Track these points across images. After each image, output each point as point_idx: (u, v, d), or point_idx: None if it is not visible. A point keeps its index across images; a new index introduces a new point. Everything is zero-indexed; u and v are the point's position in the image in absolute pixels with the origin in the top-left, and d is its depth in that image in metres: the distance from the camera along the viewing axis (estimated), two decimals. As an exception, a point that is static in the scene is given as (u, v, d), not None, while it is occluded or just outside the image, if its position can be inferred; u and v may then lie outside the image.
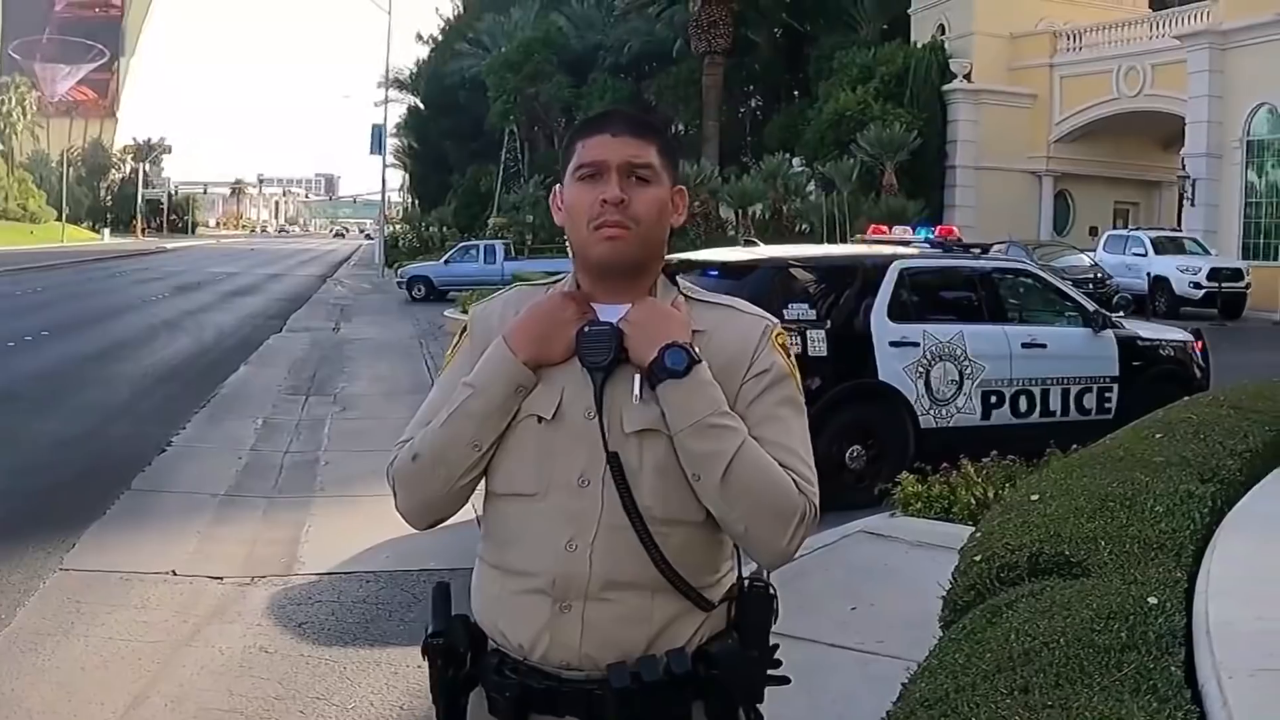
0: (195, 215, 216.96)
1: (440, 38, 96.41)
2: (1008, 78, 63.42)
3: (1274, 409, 10.13)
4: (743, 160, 66.95)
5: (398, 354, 30.54)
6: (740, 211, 54.54)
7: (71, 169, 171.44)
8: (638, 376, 3.14)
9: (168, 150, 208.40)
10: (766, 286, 13.59)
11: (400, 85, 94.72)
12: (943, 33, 62.96)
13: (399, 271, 60.69)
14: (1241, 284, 44.80)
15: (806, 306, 13.78)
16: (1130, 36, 59.16)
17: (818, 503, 3.20)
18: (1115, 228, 57.09)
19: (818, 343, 13.55)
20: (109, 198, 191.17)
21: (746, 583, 3.33)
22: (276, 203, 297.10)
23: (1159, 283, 45.23)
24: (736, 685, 3.23)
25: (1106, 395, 15.44)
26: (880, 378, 14.13)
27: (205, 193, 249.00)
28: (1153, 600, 5.34)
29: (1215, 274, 43.96)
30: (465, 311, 23.75)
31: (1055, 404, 15.09)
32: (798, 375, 3.35)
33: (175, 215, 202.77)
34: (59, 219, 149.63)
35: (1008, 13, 62.49)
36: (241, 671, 8.83)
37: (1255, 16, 48.57)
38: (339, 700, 8.30)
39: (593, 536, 3.12)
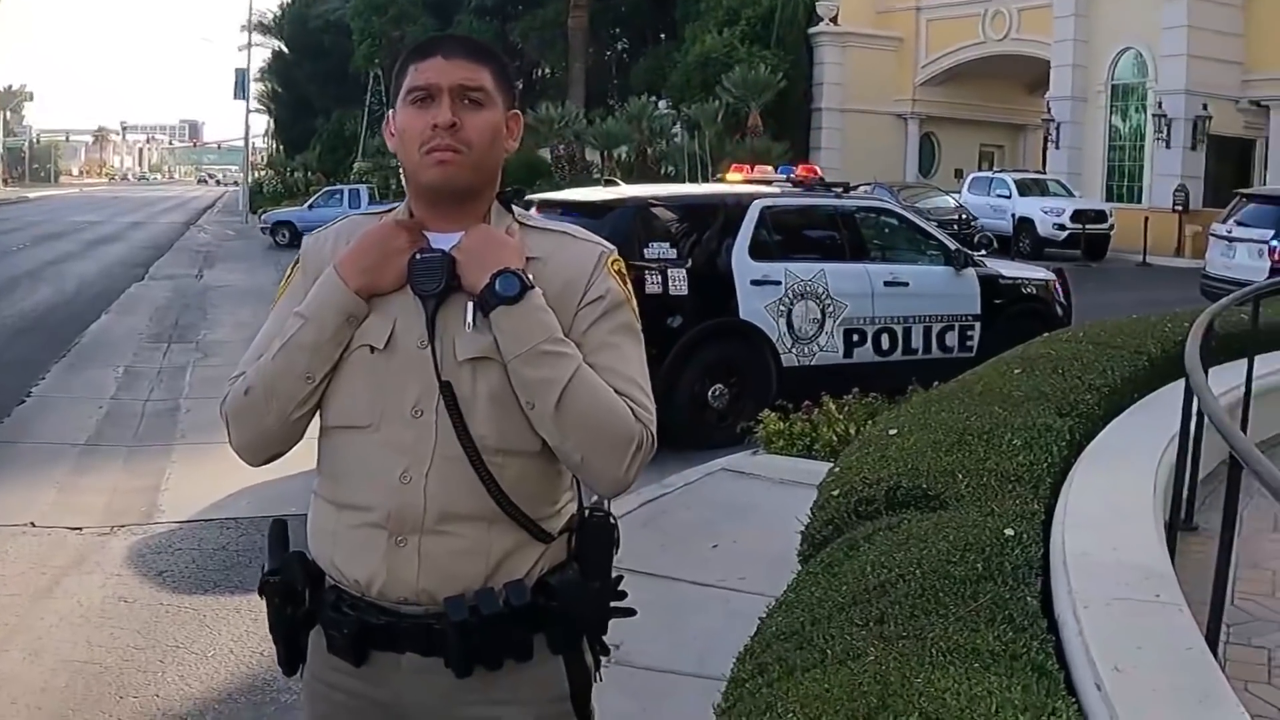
0: (58, 164, 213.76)
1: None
2: (874, 21, 63.80)
3: (1133, 344, 10.23)
4: (609, 103, 66.88)
5: (261, 300, 30.16)
6: (605, 154, 54.58)
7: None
8: (470, 304, 3.08)
9: (29, 97, 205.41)
10: (627, 226, 13.57)
11: (264, 29, 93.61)
12: (810, -25, 63.09)
13: (263, 217, 60.15)
14: (1105, 225, 45.36)
15: (667, 245, 13.76)
16: (997, -20, 59.55)
17: (654, 430, 3.16)
18: (980, 170, 57.45)
19: (679, 282, 13.54)
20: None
21: (587, 513, 3.30)
22: (140, 150, 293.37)
23: (1023, 224, 45.71)
24: (578, 616, 3.21)
25: (969, 333, 15.58)
26: (742, 316, 14.16)
27: (68, 140, 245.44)
28: (1009, 532, 5.36)
29: (1079, 216, 44.50)
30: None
31: (917, 342, 15.21)
32: (634, 302, 3.29)
33: (38, 164, 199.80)
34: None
35: (875, -45, 62.87)
36: (101, 622, 8.74)
37: (1120, -40, 49.14)
38: (199, 648, 8.25)
39: (427, 468, 3.06)
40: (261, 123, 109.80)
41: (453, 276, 3.09)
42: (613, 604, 3.30)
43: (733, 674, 4.32)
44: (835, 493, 6.54)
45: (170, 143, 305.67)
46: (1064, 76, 52.72)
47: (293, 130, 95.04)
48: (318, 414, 3.22)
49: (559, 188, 25.21)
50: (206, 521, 11.12)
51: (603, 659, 3.37)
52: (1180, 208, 46.48)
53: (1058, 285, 16.99)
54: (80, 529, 10.90)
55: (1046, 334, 11.59)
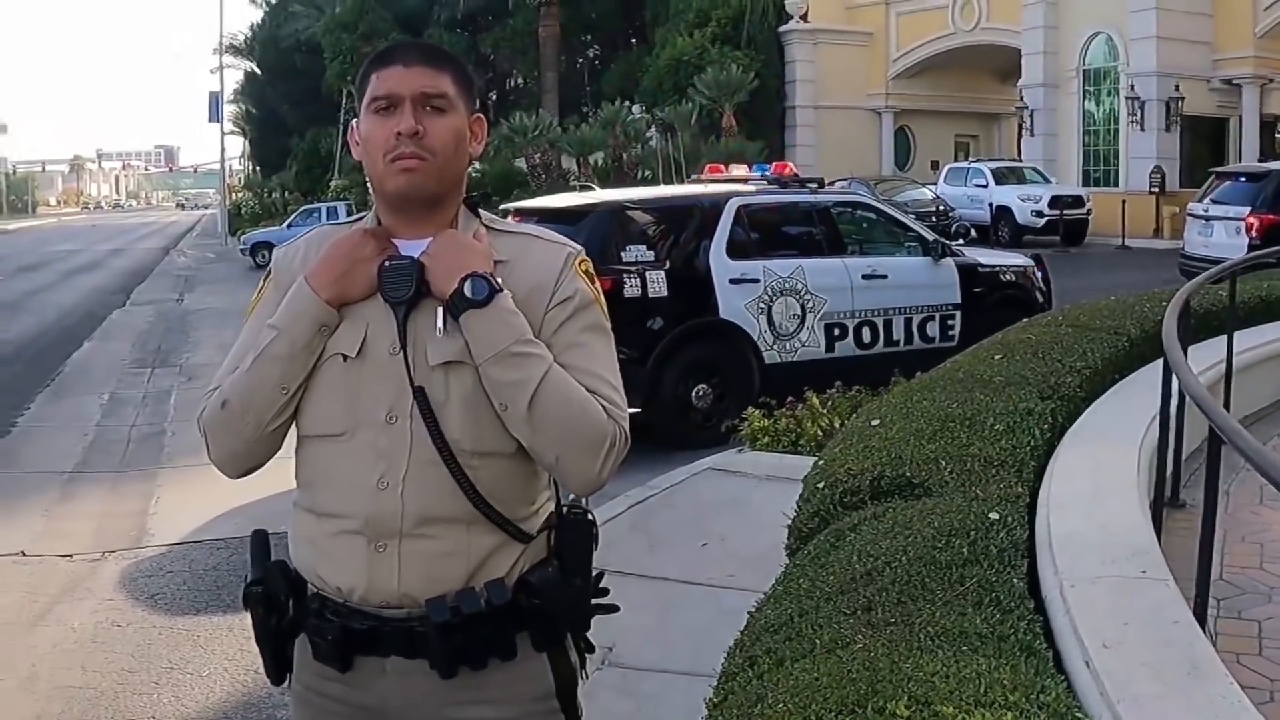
0: (35, 194, 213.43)
1: (274, 0, 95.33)
2: (844, 16, 63.87)
3: (1112, 326, 10.27)
4: (583, 110, 66.76)
5: (242, 321, 30.16)
6: (581, 160, 54.46)
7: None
8: (440, 309, 3.10)
9: (3, 130, 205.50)
10: (603, 230, 13.61)
11: (236, 51, 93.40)
12: (778, -26, 63.09)
13: (242, 239, 60.09)
14: (1083, 210, 45.45)
15: (644, 248, 13.80)
16: (964, -30, 59.62)
17: (627, 427, 3.17)
18: (956, 160, 57.53)
19: (657, 283, 13.57)
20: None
21: (565, 510, 3.32)
22: (117, 177, 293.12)
23: (1001, 212, 45.74)
24: (559, 613, 3.22)
25: (949, 323, 15.61)
26: (722, 315, 14.21)
27: (44, 171, 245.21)
28: (994, 515, 5.39)
29: (1056, 202, 44.59)
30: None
31: (899, 333, 15.25)
32: (603, 301, 3.30)
33: (14, 196, 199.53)
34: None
35: (842, -49, 62.93)
36: (94, 647, 8.76)
37: (1085, -55, 49.28)
38: (193, 668, 8.27)
39: (403, 473, 3.08)
40: (237, 144, 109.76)
41: (422, 282, 3.11)
42: (594, 600, 3.33)
43: (723, 668, 4.34)
44: (820, 485, 6.57)
45: (146, 168, 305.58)
46: (1035, 64, 52.81)
47: (268, 151, 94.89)
48: (294, 424, 3.24)
49: (536, 196, 25.24)
50: (196, 543, 11.13)
51: (588, 656, 3.39)
52: (1157, 189, 46.53)
53: (1036, 271, 17.03)
54: (71, 556, 10.91)
55: (1026, 319, 11.62)
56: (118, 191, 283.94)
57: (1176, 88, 47.56)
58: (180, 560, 10.68)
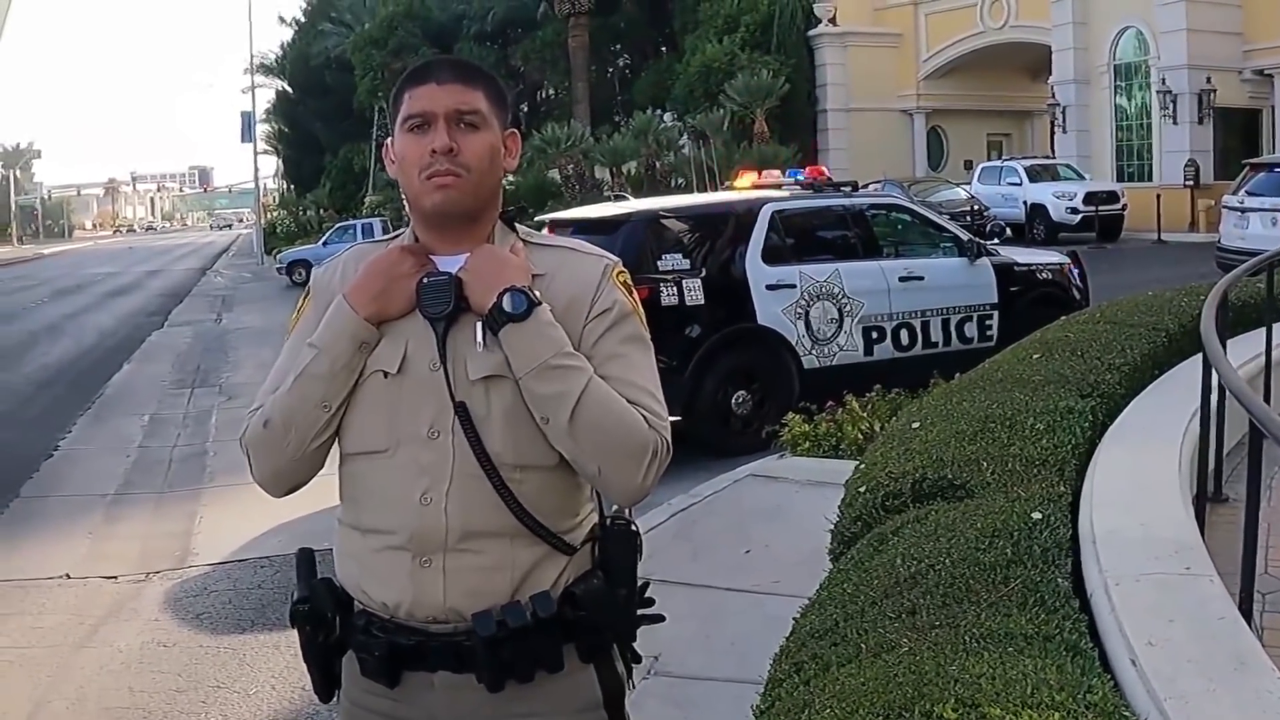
0: (71, 218, 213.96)
1: (303, 19, 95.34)
2: (872, 19, 63.76)
3: (1150, 321, 10.23)
4: (614, 119, 66.66)
5: (281, 338, 30.12)
6: (614, 170, 54.40)
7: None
8: (479, 324, 3.11)
9: (37, 155, 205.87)
10: (639, 239, 13.61)
11: (266, 70, 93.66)
12: (805, -22, 63.00)
13: (278, 257, 60.21)
14: (1118, 206, 45.24)
15: (680, 256, 13.80)
16: (991, -31, 59.49)
17: (669, 437, 3.17)
18: (989, 159, 57.38)
19: (694, 291, 13.57)
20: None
21: (609, 521, 3.31)
22: (152, 199, 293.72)
23: (1036, 210, 45.58)
24: (605, 624, 3.23)
25: (987, 323, 15.57)
26: (760, 322, 14.19)
27: (79, 195, 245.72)
28: (1037, 515, 5.38)
29: (1091, 198, 44.34)
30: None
31: (937, 335, 15.20)
32: (641, 312, 3.31)
33: (50, 220, 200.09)
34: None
35: (869, -46, 62.84)
36: (141, 668, 8.79)
37: (1113, -61, 49.13)
38: (240, 687, 8.29)
39: (446, 488, 3.09)
40: (270, 164, 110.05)
41: (460, 298, 3.12)
42: (640, 610, 3.33)
43: (770, 674, 4.35)
44: (862, 489, 6.57)
45: (181, 190, 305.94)
46: (1065, 60, 52.63)
47: (302, 169, 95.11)
48: (336, 442, 3.25)
49: (570, 207, 25.28)
50: (240, 562, 11.17)
51: (635, 666, 3.40)
52: (1191, 183, 46.30)
53: (1072, 268, 16.96)
54: (115, 577, 10.96)
55: (1064, 317, 11.58)
56: (153, 213, 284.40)
57: (1208, 80, 47.33)
58: (224, 579, 10.72)
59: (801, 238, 15.28)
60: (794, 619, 4.87)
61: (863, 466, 7.09)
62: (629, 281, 3.33)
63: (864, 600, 4.64)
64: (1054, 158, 52.04)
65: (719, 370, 13.88)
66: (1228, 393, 6.68)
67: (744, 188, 17.71)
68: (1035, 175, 47.51)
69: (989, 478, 6.24)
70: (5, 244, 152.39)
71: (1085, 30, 51.78)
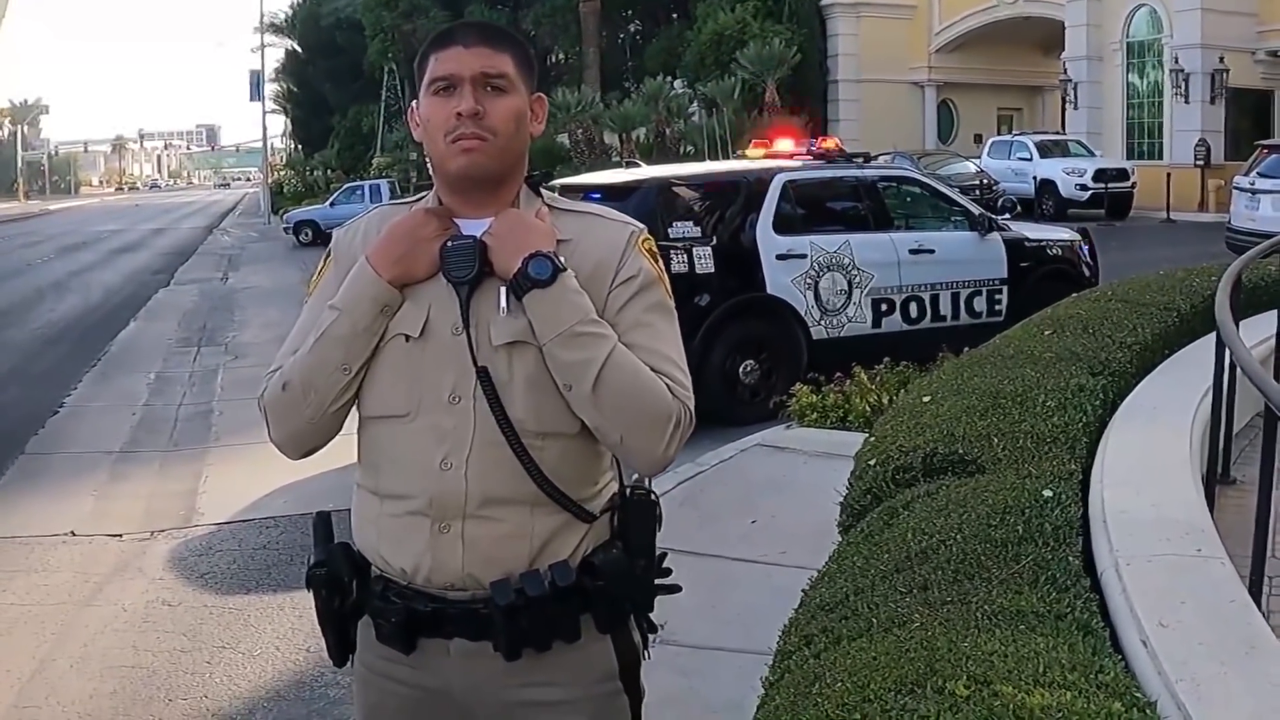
0: (78, 175, 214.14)
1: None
2: (886, -11, 63.63)
3: (1162, 301, 10.20)
4: (624, 85, 66.60)
5: (288, 299, 30.22)
6: (624, 136, 54.36)
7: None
8: (503, 289, 3.09)
9: (45, 110, 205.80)
10: (650, 206, 13.55)
11: (276, 29, 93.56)
12: (819, -53, 62.86)
13: (284, 217, 60.15)
14: (1127, 184, 45.18)
15: (691, 224, 13.79)
16: (1006, -57, 59.36)
17: (692, 406, 3.16)
18: (999, 134, 57.26)
19: (704, 259, 13.56)
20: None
21: (629, 491, 3.30)
22: (159, 157, 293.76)
23: (1045, 186, 45.56)
24: (624, 594, 3.22)
25: (997, 297, 15.54)
26: (769, 291, 14.18)
27: (86, 151, 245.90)
28: (1048, 493, 5.36)
29: (1101, 175, 44.31)
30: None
31: (946, 309, 15.18)
32: (666, 280, 3.28)
33: (57, 176, 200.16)
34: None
35: (884, -76, 62.68)
36: (146, 627, 8.80)
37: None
38: (245, 647, 8.30)
39: (467, 454, 3.07)
40: (279, 123, 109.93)
41: (484, 262, 3.10)
42: (657, 581, 3.32)
43: (779, 646, 4.33)
44: (872, 462, 6.55)
45: (188, 148, 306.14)
46: (1078, 36, 52.54)
47: (310, 129, 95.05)
48: (355, 405, 3.23)
49: (579, 173, 25.24)
50: (246, 522, 11.18)
51: (651, 636, 3.39)
52: (1202, 163, 46.22)
53: (1083, 245, 16.94)
54: (120, 535, 10.97)
55: (1075, 294, 11.56)
56: (160, 170, 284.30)
57: (1221, 60, 47.24)
58: (230, 539, 10.73)
59: (813, 208, 15.25)
60: (803, 591, 4.85)
61: (873, 439, 7.07)
62: (654, 249, 3.30)
63: (874, 574, 4.62)
64: (1064, 134, 51.97)
65: (727, 339, 13.86)
66: (1239, 373, 6.66)
67: (756, 157, 17.66)
68: (1045, 151, 47.46)
69: (1000, 454, 6.22)
70: (12, 200, 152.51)
71: (1099, 7, 51.71)
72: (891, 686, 3.42)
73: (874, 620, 4.08)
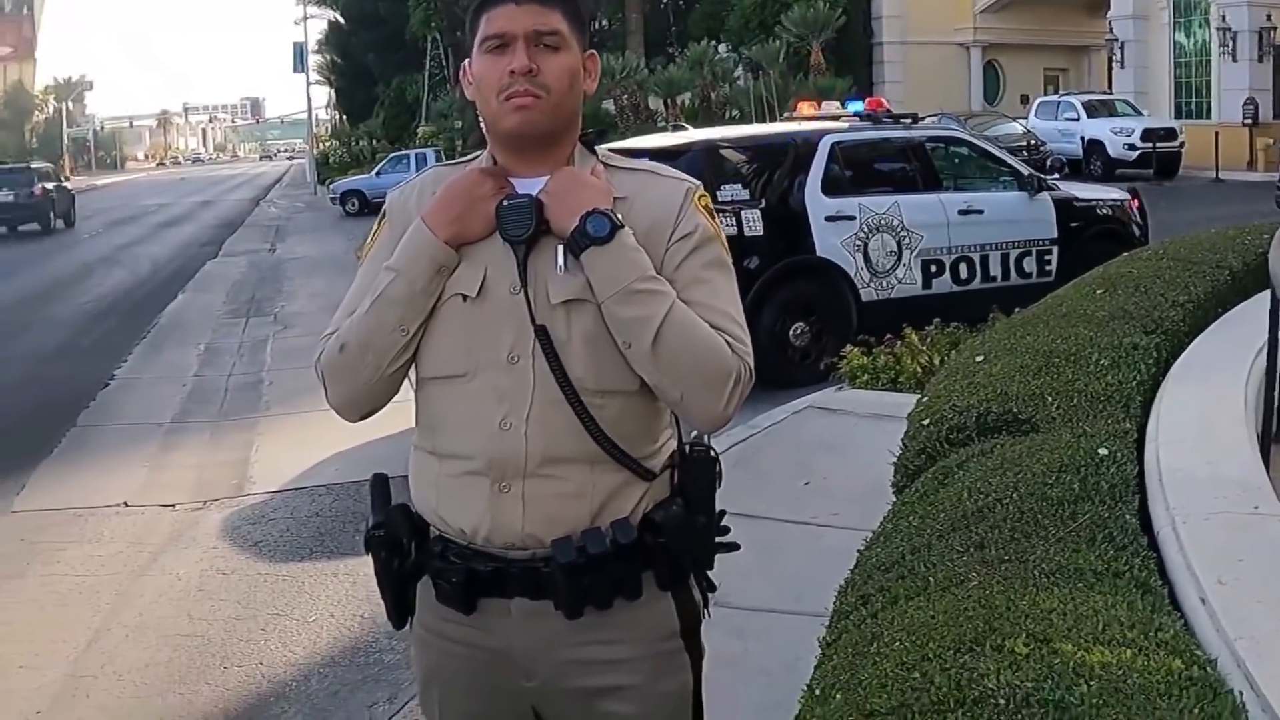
0: (123, 150, 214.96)
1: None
2: (931, -50, 63.28)
3: (1214, 259, 10.12)
4: (668, 50, 66.42)
5: (335, 269, 30.31)
6: (669, 101, 54.32)
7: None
8: (560, 247, 3.07)
9: (89, 87, 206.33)
10: (698, 169, 13.46)
11: (319, 1, 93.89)
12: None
13: (331, 187, 60.31)
14: (1175, 143, 44.83)
15: (740, 186, 13.78)
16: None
17: (751, 363, 3.14)
18: (1045, 95, 56.97)
19: (753, 222, 13.53)
20: (34, 140, 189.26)
21: (688, 448, 3.28)
22: (204, 130, 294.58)
23: (1093, 146, 45.28)
24: (685, 551, 3.20)
25: (1046, 258, 15.47)
26: (818, 253, 14.15)
27: (131, 126, 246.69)
28: (1103, 451, 5.32)
29: (1149, 135, 43.97)
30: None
31: (996, 269, 15.11)
32: (723, 236, 3.26)
33: (103, 151, 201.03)
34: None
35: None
36: (200, 595, 8.87)
37: None
38: (299, 614, 8.34)
39: (526, 413, 3.05)
40: (323, 94, 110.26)
41: (541, 221, 3.07)
42: (717, 538, 3.30)
43: (835, 607, 4.31)
44: (925, 422, 6.52)
45: (233, 121, 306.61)
46: (1124, -5, 52.25)
47: (354, 99, 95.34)
48: (413, 366, 3.22)
49: (624, 138, 25.28)
50: (297, 490, 11.24)
51: (710, 595, 3.37)
52: (1250, 121, 45.91)
53: (1133, 205, 16.83)
54: (173, 505, 11.05)
55: (1126, 253, 11.49)
56: (205, 144, 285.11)
57: (1268, 18, 46.89)
58: (282, 507, 10.78)
59: (861, 170, 15.24)
60: (858, 551, 4.83)
61: (925, 399, 7.04)
62: (710, 205, 3.28)
63: (930, 533, 4.60)
64: (1111, 94, 51.68)
65: (777, 301, 13.82)
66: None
67: (804, 119, 17.61)
68: (1093, 111, 47.18)
69: (1054, 412, 6.18)
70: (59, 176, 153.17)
71: (1144, -34, 51.38)
72: (950, 645, 3.40)
73: (931, 579, 4.06)
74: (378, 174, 55.57)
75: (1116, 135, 44.82)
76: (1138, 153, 43.84)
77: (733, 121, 47.18)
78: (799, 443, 10.44)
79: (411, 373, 3.24)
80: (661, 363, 3.01)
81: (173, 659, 7.79)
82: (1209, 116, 48.74)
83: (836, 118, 17.14)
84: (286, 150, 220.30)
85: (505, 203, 3.10)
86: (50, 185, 55.31)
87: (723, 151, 14.48)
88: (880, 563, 4.46)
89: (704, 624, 3.34)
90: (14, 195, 52.08)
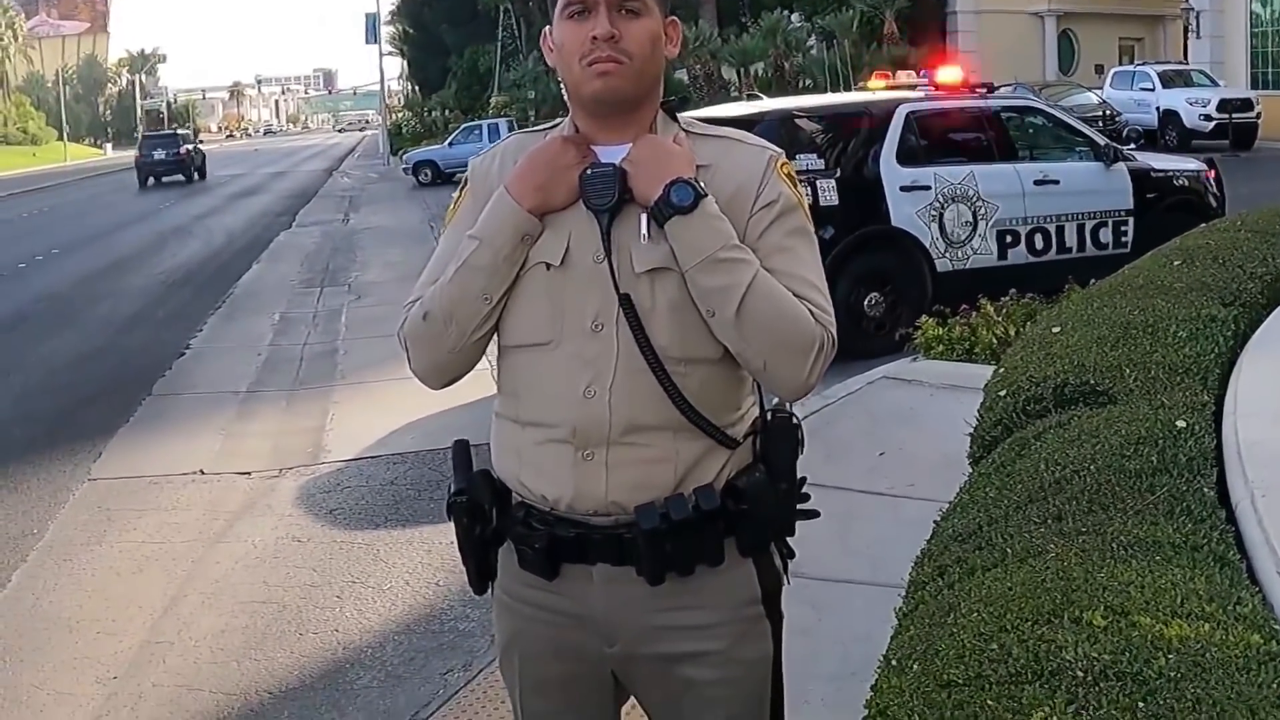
0: (196, 122, 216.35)
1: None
2: (1005, -81, 62.87)
3: (1294, 231, 10.05)
4: (741, 20, 66.17)
5: (409, 239, 30.47)
6: (742, 71, 54.26)
7: (68, 87, 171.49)
8: (644, 215, 3.05)
9: (163, 59, 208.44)
10: (772, 138, 13.35)
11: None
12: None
13: (404, 158, 60.50)
14: (1252, 114, 44.34)
15: (815, 156, 13.74)
16: None
17: (835, 331, 3.14)
18: (1120, 64, 56.56)
19: (828, 192, 13.49)
20: (108, 113, 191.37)
21: (770, 415, 3.27)
22: (276, 102, 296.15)
23: (1169, 117, 44.88)
24: (767, 518, 3.20)
25: (1122, 229, 15.35)
26: (894, 223, 14.11)
27: (204, 98, 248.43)
28: (1181, 424, 5.29)
29: (1225, 105, 43.50)
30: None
31: (1071, 240, 15.00)
32: (805, 204, 3.24)
33: (176, 124, 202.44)
34: (60, 139, 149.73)
35: None
36: (275, 562, 8.93)
37: None
38: (374, 582, 8.38)
39: (610, 381, 3.05)
40: (395, 65, 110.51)
41: (624, 189, 3.06)
42: (798, 505, 3.30)
43: (912, 577, 4.31)
44: (1002, 393, 6.49)
45: (306, 92, 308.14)
46: (1201, -37, 51.78)
47: (427, 70, 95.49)
48: (496, 334, 3.22)
49: (698, 108, 25.27)
50: (373, 458, 11.28)
51: (790, 562, 3.36)
52: (1328, 91, 45.49)
53: (1210, 176, 16.67)
54: (249, 473, 11.11)
55: (1204, 225, 11.40)
56: (277, 115, 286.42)
57: (1348, -15, 46.46)
58: (357, 475, 10.83)
59: (936, 139, 15.14)
60: (935, 522, 4.83)
61: (1002, 370, 7.01)
62: (793, 173, 3.25)
63: (1007, 505, 4.59)
64: (1187, 64, 51.23)
65: (852, 272, 13.79)
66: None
67: (877, 89, 17.55)
68: (1168, 81, 46.75)
69: (1132, 384, 6.14)
70: (133, 147, 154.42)
71: (1221, -66, 50.90)
72: (1028, 616, 3.39)
73: (1008, 550, 4.05)
74: (450, 144, 55.78)
75: (1192, 106, 44.41)
76: (1213, 123, 43.40)
77: (806, 91, 47.07)
78: (874, 413, 10.42)
79: (493, 341, 3.25)
80: (745, 331, 3.00)
81: (248, 625, 7.86)
82: (1286, 87, 48.30)
83: (911, 87, 17.02)
84: (359, 122, 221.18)
85: (589, 171, 3.09)
86: (190, 147, 75.67)
87: (797, 121, 14.44)
88: (957, 534, 4.46)
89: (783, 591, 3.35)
90: (165, 154, 72.25)
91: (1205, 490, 4.55)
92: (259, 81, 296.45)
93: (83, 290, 24.80)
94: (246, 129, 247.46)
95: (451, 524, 3.33)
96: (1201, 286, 7.99)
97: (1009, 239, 14.66)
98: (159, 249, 32.10)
